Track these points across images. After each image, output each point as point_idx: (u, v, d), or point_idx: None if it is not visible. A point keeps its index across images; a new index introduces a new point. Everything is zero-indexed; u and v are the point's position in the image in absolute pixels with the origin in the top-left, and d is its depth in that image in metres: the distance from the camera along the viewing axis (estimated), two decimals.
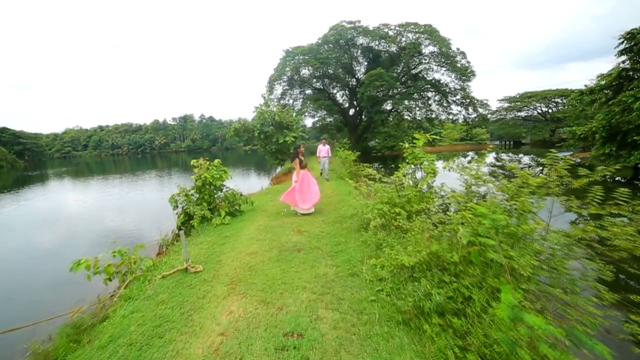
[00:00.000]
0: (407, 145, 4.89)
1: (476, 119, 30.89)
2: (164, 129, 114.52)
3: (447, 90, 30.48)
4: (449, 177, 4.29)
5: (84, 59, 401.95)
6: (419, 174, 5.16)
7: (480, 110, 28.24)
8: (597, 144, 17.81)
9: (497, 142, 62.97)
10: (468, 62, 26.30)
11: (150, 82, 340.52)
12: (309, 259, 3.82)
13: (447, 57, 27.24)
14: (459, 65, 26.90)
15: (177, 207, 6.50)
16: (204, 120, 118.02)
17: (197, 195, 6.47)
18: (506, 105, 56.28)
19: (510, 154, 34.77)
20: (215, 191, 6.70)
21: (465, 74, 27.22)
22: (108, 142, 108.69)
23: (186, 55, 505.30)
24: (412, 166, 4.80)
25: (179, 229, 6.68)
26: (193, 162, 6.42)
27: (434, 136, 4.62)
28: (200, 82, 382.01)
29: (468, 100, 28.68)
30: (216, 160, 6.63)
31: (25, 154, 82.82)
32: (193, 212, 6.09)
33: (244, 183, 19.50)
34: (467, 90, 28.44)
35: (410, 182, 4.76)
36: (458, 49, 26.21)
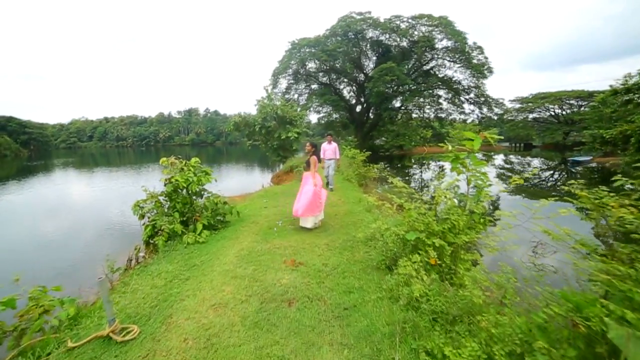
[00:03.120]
0: (449, 147, 3.46)
1: (485, 119, 29.10)
2: (169, 122, 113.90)
3: (460, 88, 28.75)
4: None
5: (92, 51, 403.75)
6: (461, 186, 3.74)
7: (496, 109, 26.48)
8: (632, 149, 16.10)
9: (507, 144, 60.56)
10: (485, 57, 24.52)
11: (156, 75, 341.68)
12: (304, 322, 2.43)
13: (462, 53, 25.48)
14: (474, 61, 25.14)
15: (143, 216, 5.15)
16: (208, 114, 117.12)
17: (168, 204, 5.11)
18: (517, 106, 54.09)
19: (519, 157, 32.97)
20: (194, 198, 5.33)
21: (481, 70, 25.47)
22: (113, 133, 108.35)
23: (192, 48, 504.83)
24: (459, 177, 3.35)
25: (146, 243, 5.36)
26: (162, 160, 5.04)
27: (494, 135, 3.17)
28: (206, 75, 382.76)
29: (483, 99, 26.94)
30: (193, 159, 5.24)
31: (30, 143, 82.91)
32: (160, 226, 4.74)
33: (245, 180, 18.52)
34: (482, 88, 26.70)
35: (455, 200, 3.33)
36: (475, 43, 24.49)
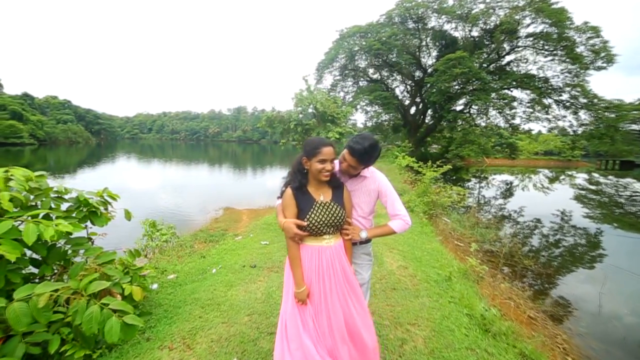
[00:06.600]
0: None
1: (589, 127, 22.41)
2: (219, 118, 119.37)
3: (548, 87, 22.67)
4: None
5: (158, 50, 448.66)
6: None
7: (606, 114, 19.94)
8: None
9: (590, 160, 49.00)
10: (603, 42, 18.10)
11: (211, 73, 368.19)
12: None
13: (559, 40, 19.60)
14: (580, 49, 18.99)
15: None
16: (256, 113, 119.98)
17: None
18: (612, 115, 43.19)
19: (611, 177, 25.22)
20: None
21: (586, 62, 19.20)
22: (169, 127, 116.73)
23: (247, 48, 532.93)
24: None
25: None
26: None
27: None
28: (257, 75, 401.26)
29: (585, 101, 20.61)
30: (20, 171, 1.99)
31: (101, 133, 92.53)
32: None
33: (275, 183, 15.92)
34: (585, 86, 20.36)
35: None
36: (586, 23, 18.21)
